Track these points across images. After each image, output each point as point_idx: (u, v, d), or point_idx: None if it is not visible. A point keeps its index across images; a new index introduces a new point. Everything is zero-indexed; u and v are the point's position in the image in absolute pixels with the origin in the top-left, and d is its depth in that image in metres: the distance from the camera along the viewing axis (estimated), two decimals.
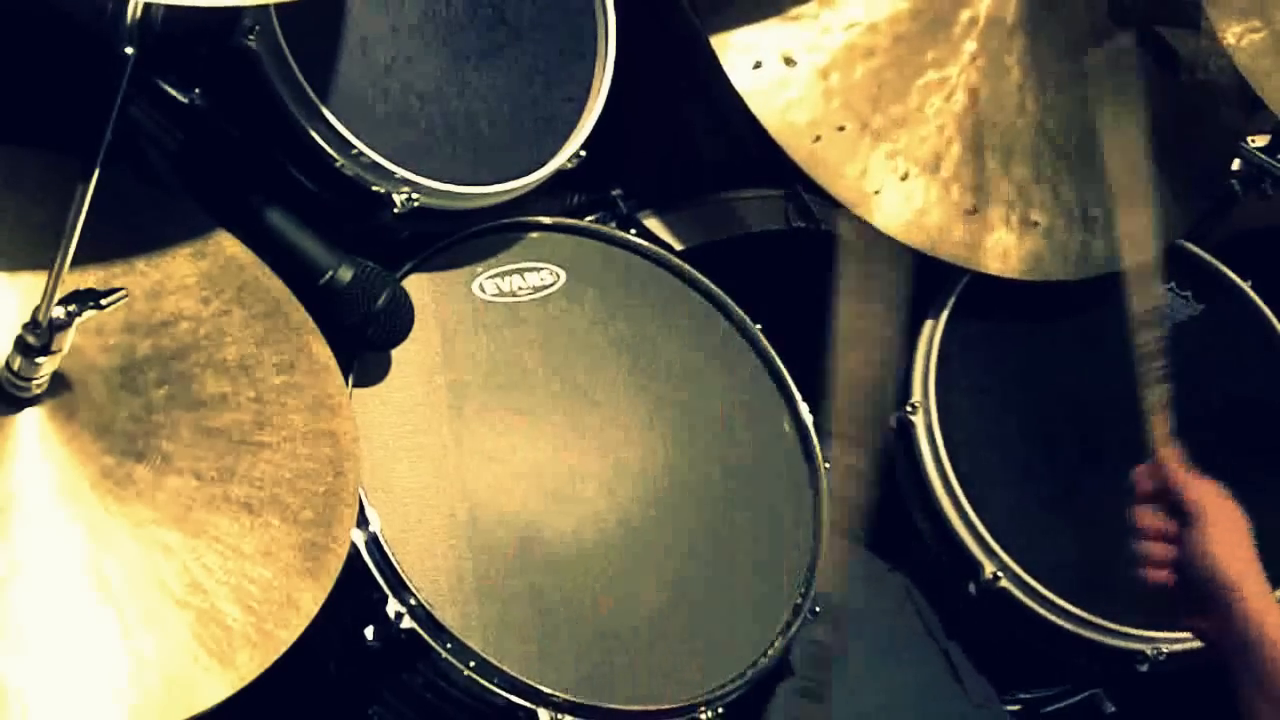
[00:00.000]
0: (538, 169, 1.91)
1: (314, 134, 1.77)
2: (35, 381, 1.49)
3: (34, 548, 1.45)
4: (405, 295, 1.82)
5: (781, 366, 2.07)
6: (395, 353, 1.85)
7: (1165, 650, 2.13)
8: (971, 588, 2.13)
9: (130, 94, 1.61)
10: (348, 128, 1.77)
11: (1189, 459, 1.79)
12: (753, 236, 2.26)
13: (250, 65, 1.75)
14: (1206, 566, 1.69)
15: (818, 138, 2.14)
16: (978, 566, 2.12)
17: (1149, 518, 1.76)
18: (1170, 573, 1.73)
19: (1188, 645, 2.14)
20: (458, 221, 1.94)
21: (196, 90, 1.78)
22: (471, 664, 1.73)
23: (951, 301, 2.24)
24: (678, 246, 2.17)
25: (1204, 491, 1.74)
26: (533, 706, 1.74)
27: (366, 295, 1.78)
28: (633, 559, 1.89)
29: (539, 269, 1.99)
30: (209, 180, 1.77)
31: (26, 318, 1.45)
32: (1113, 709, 2.26)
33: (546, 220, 2.02)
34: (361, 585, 1.73)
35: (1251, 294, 2.43)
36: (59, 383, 1.52)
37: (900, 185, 2.17)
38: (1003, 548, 2.12)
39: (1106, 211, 2.20)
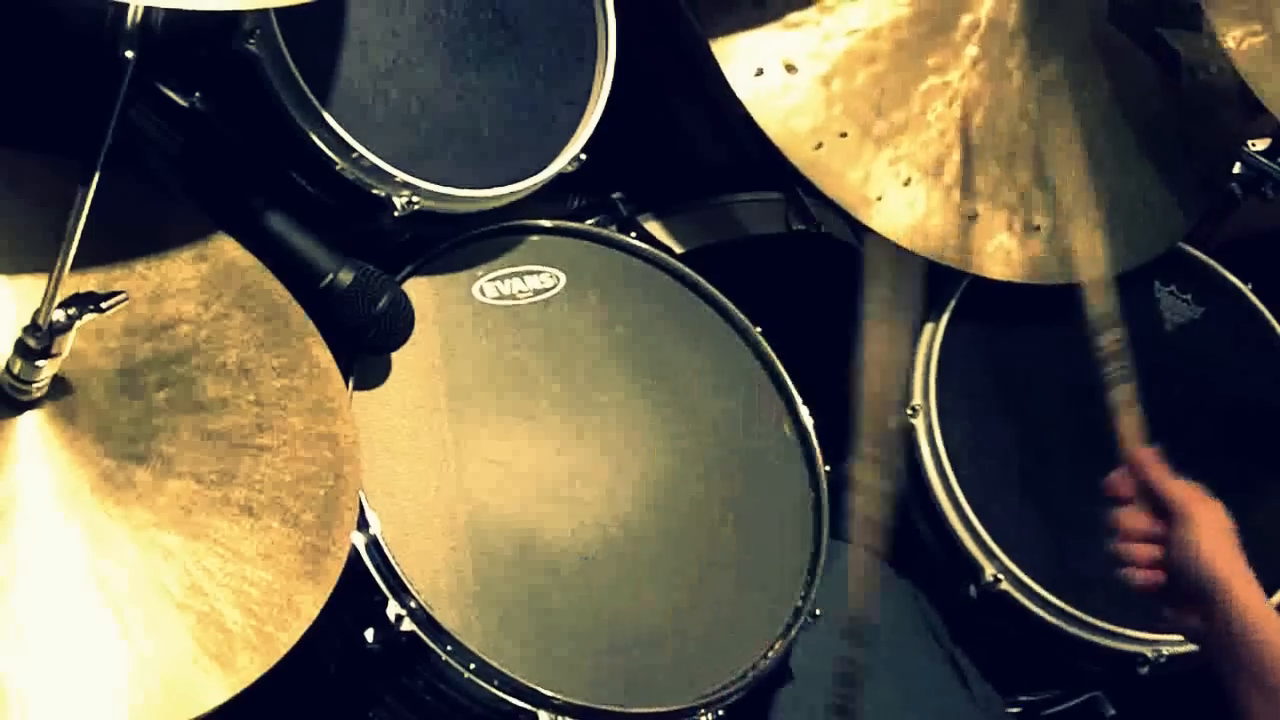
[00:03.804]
0: (538, 172, 1.91)
1: (314, 137, 1.77)
2: (36, 385, 1.49)
3: (35, 550, 1.45)
4: (405, 298, 1.82)
5: (782, 369, 2.07)
6: (395, 356, 1.85)
7: (1166, 653, 2.13)
8: (972, 590, 2.13)
9: (131, 97, 1.62)
10: (348, 131, 1.77)
11: (1170, 459, 1.78)
12: (753, 239, 2.26)
13: (250, 69, 1.75)
14: (1197, 565, 1.69)
15: (820, 144, 2.14)
16: (978, 569, 2.12)
17: (1132, 519, 1.75)
18: (1157, 573, 1.73)
19: (1188, 648, 2.14)
20: (458, 224, 1.94)
21: (197, 94, 1.78)
22: (471, 666, 1.73)
23: (951, 305, 2.24)
24: (678, 249, 2.17)
25: (1187, 491, 1.74)
26: (533, 709, 1.74)
27: (367, 298, 1.78)
28: (633, 561, 1.88)
29: (539, 272, 1.99)
30: (209, 183, 1.78)
31: (27, 321, 1.45)
32: (1113, 712, 2.25)
33: (547, 223, 2.03)
34: (362, 588, 1.72)
35: (1252, 297, 2.43)
36: (59, 386, 1.52)
37: (902, 191, 2.17)
38: (1003, 550, 2.11)
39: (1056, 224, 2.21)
